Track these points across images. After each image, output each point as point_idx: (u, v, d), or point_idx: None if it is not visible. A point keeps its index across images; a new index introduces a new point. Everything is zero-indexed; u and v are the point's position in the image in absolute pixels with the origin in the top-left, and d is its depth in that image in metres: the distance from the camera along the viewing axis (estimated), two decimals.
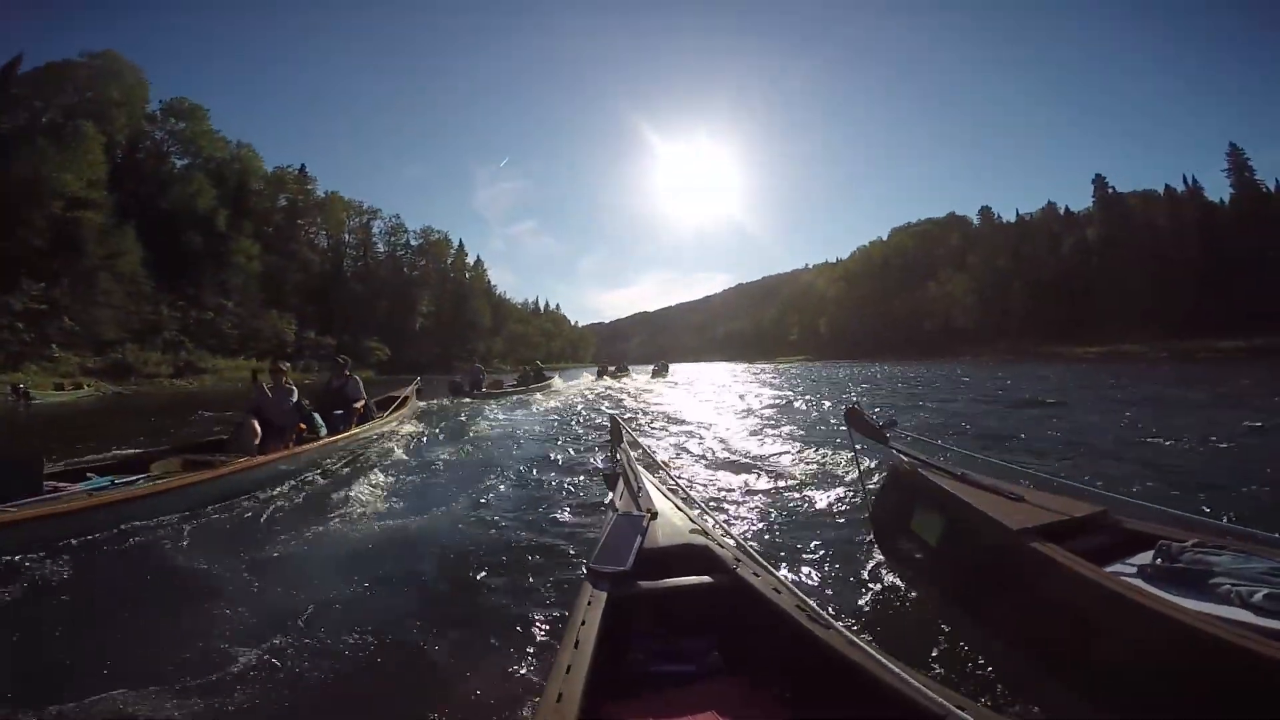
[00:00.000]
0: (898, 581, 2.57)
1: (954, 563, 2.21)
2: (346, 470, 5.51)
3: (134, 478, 4.12)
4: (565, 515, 3.83)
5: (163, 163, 50.56)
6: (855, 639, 1.19)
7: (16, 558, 2.95)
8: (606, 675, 1.23)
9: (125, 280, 39.64)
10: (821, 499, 4.10)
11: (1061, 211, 77.24)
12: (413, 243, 76.46)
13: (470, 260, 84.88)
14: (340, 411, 6.41)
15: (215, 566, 2.96)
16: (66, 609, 2.55)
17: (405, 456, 6.30)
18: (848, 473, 4.75)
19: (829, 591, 2.59)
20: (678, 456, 6.20)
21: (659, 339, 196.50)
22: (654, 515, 1.93)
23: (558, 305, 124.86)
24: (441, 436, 8.13)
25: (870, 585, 2.61)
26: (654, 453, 3.37)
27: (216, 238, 48.79)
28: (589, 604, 1.40)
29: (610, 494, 2.55)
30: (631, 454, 2.83)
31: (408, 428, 7.95)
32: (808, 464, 5.41)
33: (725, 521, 2.81)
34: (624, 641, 1.44)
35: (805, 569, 2.82)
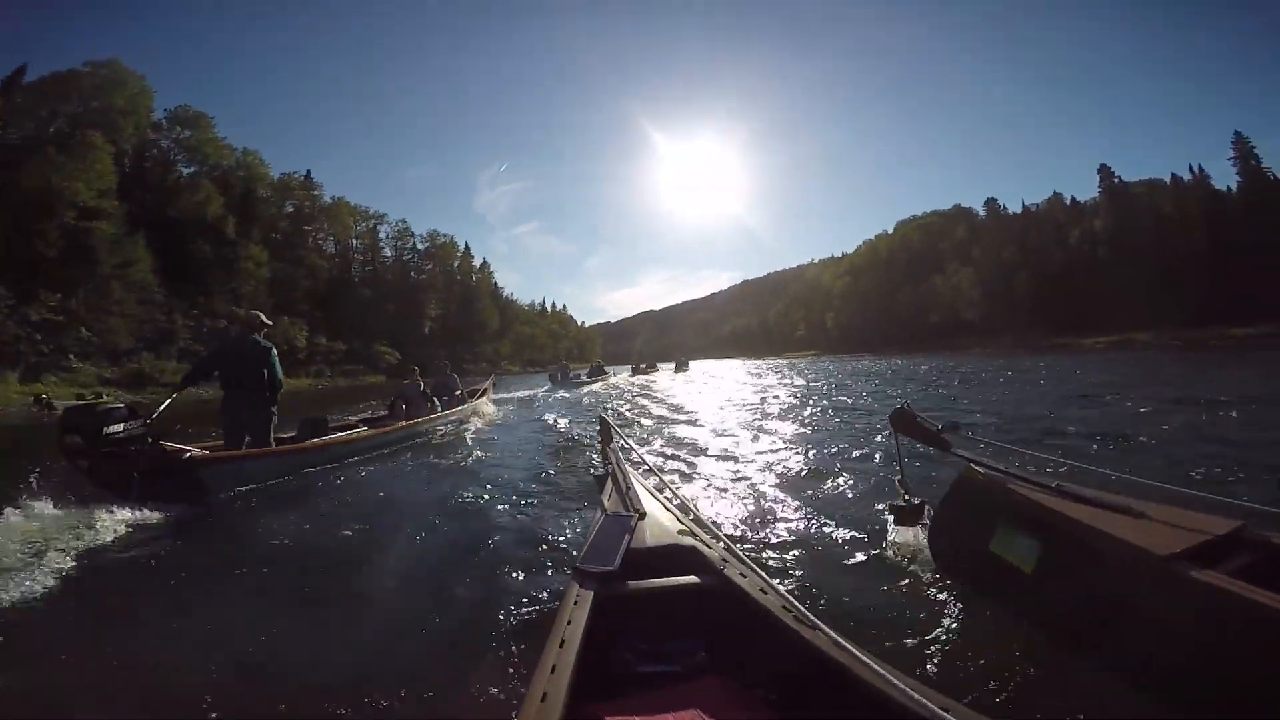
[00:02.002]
0: (972, 613, 2.20)
1: (1067, 593, 1.86)
2: (453, 429, 8.89)
3: (357, 431, 7.15)
4: (573, 506, 4.15)
5: (170, 171, 50.48)
6: (841, 640, 1.19)
7: (324, 467, 5.74)
8: (592, 675, 1.24)
9: (137, 289, 39.72)
10: (851, 510, 3.77)
11: (1068, 202, 76.98)
12: (419, 246, 76.42)
13: (476, 263, 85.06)
14: (446, 397, 9.86)
15: (389, 474, 5.79)
16: (356, 485, 5.22)
17: (482, 427, 9.66)
18: (876, 478, 4.48)
19: (888, 629, 2.23)
20: (672, 455, 6.23)
21: (665, 337, 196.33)
22: (642, 515, 1.92)
23: (564, 306, 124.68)
24: (516, 417, 11.86)
25: (930, 617, 2.23)
26: (643, 453, 3.42)
27: (225, 245, 48.83)
28: (575, 603, 1.40)
29: (599, 494, 2.54)
30: (620, 454, 2.83)
31: (488, 408, 11.65)
32: (830, 467, 5.13)
33: (716, 523, 2.85)
34: (610, 641, 1.44)
35: (837, 595, 2.51)
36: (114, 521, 3.68)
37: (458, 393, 10.26)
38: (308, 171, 65.76)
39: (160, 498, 4.02)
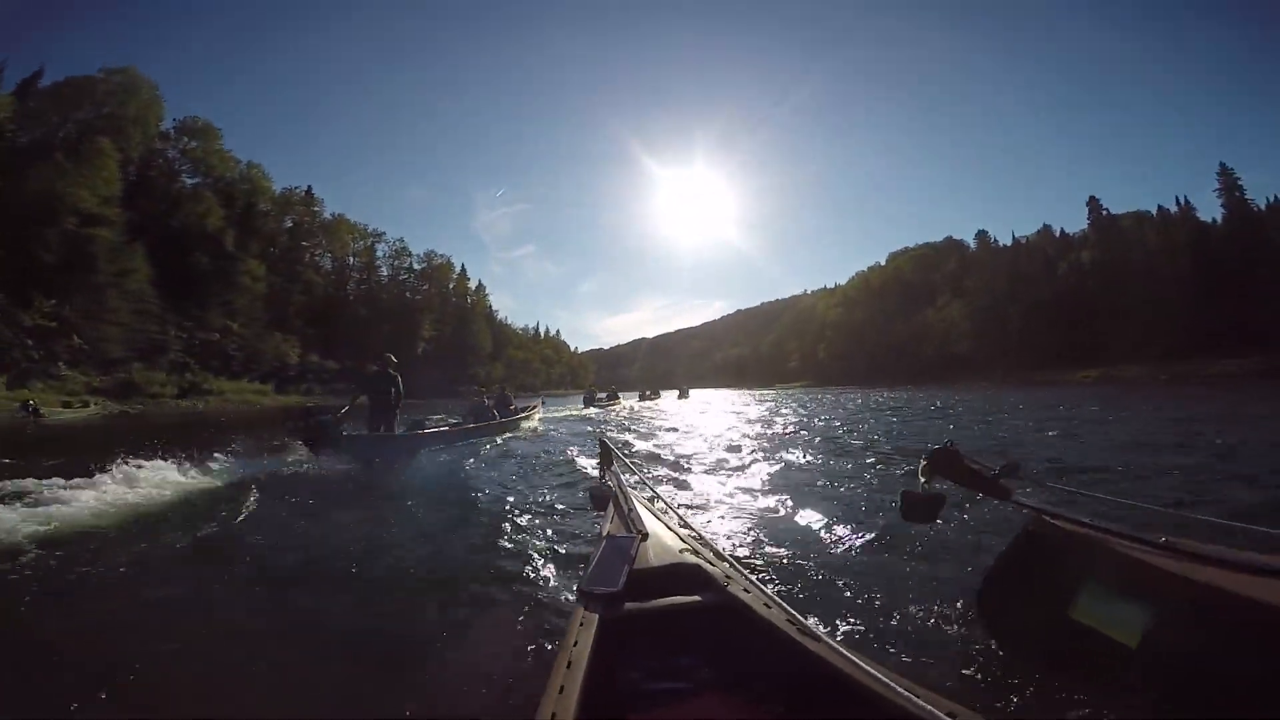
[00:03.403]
0: (970, 623, 2.05)
1: (1202, 672, 1.56)
2: (508, 435, 11.65)
3: (442, 429, 10.18)
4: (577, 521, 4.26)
5: (174, 181, 50.73)
6: (845, 651, 1.21)
7: (423, 449, 8.83)
8: (599, 695, 1.26)
9: (133, 298, 39.56)
10: (852, 528, 3.74)
11: (1057, 234, 78.47)
12: (416, 266, 76.44)
13: (472, 284, 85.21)
14: (504, 410, 13.18)
15: (459, 459, 8.17)
16: (437, 463, 8.03)
17: (532, 433, 12.88)
18: (873, 498, 4.61)
19: (894, 641, 2.24)
20: (675, 474, 6.34)
21: (658, 365, 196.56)
22: (645, 536, 1.92)
23: (558, 331, 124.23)
24: (561, 427, 14.73)
25: (938, 627, 2.24)
26: (644, 473, 3.38)
27: (224, 258, 48.76)
28: (581, 625, 1.42)
29: (601, 516, 2.52)
30: (621, 476, 2.84)
31: (534, 422, 14.50)
32: (828, 487, 5.26)
33: (719, 541, 2.88)
34: (616, 662, 1.45)
35: (841, 608, 2.53)
36: (309, 466, 7.10)
37: (512, 407, 14.05)
38: (309, 187, 66.34)
39: (336, 457, 7.26)
